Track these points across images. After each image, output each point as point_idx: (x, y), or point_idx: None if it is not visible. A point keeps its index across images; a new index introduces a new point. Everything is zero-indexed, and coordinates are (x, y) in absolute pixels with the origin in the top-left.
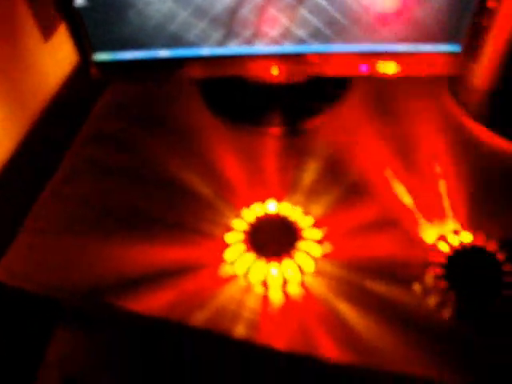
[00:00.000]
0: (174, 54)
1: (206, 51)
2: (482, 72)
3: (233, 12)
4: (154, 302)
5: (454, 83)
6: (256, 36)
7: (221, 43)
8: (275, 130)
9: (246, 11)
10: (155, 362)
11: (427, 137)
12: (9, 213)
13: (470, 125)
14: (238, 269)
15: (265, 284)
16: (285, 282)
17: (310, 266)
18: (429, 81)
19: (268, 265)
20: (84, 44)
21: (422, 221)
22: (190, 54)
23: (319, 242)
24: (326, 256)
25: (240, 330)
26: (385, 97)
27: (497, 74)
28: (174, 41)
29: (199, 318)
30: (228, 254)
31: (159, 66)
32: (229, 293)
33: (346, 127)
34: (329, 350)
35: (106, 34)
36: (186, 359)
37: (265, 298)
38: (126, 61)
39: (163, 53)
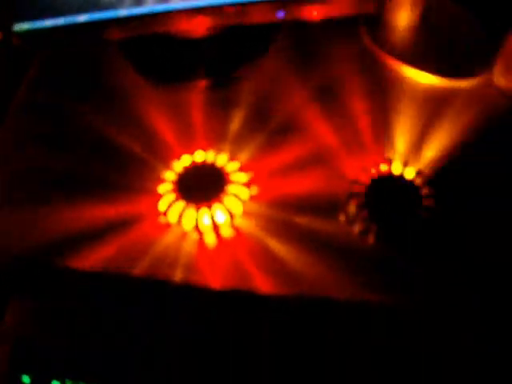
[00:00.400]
0: (92, 18)
1: (123, 12)
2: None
3: None
4: (95, 258)
5: (371, 23)
6: None
7: (137, 2)
8: (201, 84)
9: None
10: (103, 316)
11: (349, 78)
12: None
13: (391, 63)
14: (171, 218)
15: (198, 229)
16: (216, 226)
17: (238, 208)
18: (348, 23)
19: (199, 211)
20: (3, 14)
21: (345, 156)
22: (107, 16)
23: (246, 184)
24: (253, 198)
25: (178, 275)
26: (307, 44)
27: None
28: (91, 5)
29: (140, 268)
30: (161, 205)
31: (79, 31)
32: (165, 242)
33: (270, 76)
34: (262, 283)
35: (24, 3)
36: (130, 309)
37: (199, 243)
38: (47, 28)
39: (81, 17)
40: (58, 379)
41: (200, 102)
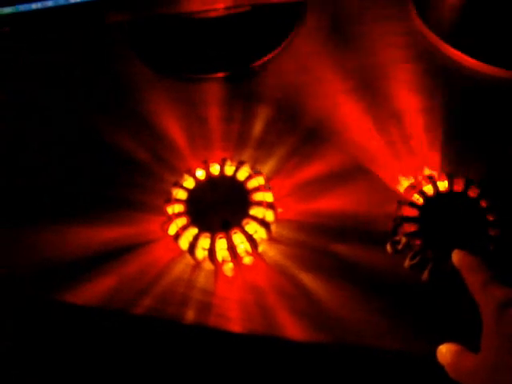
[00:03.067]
0: None
1: None
2: None
3: None
4: (91, 292)
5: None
6: None
7: None
8: (216, 75)
9: None
10: (98, 358)
11: (395, 68)
12: None
13: (446, 50)
14: (183, 244)
15: (213, 259)
16: (236, 255)
17: (262, 233)
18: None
19: (214, 238)
20: None
21: (391, 167)
22: None
23: (271, 204)
24: (280, 219)
25: (190, 315)
26: (343, 23)
27: None
28: None
29: (143, 305)
30: (170, 230)
31: (75, 14)
32: (175, 273)
33: (298, 64)
34: (289, 327)
35: None
36: (128, 353)
37: (215, 276)
38: (34, 11)
39: None
40: None
41: (216, 98)
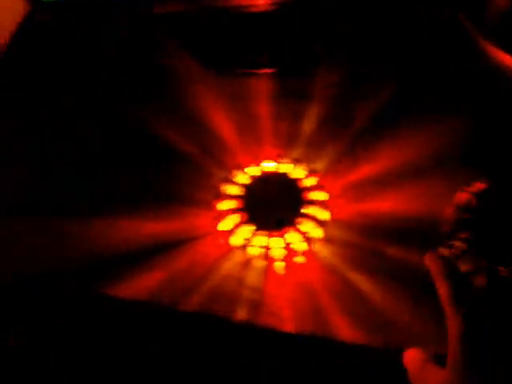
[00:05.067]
0: None
1: None
2: None
3: None
4: (138, 286)
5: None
6: None
7: None
8: (266, 71)
9: None
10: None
11: (448, 69)
12: None
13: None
14: (235, 241)
15: (266, 257)
16: (289, 253)
17: (317, 233)
18: None
19: (269, 234)
20: None
21: (450, 169)
22: None
23: (326, 203)
24: (334, 219)
25: (241, 313)
26: (396, 23)
27: None
28: None
29: (193, 301)
30: (221, 226)
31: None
32: (224, 270)
33: (352, 63)
34: (343, 328)
35: None
36: (178, 350)
37: (267, 274)
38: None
39: None
40: None
41: (266, 94)
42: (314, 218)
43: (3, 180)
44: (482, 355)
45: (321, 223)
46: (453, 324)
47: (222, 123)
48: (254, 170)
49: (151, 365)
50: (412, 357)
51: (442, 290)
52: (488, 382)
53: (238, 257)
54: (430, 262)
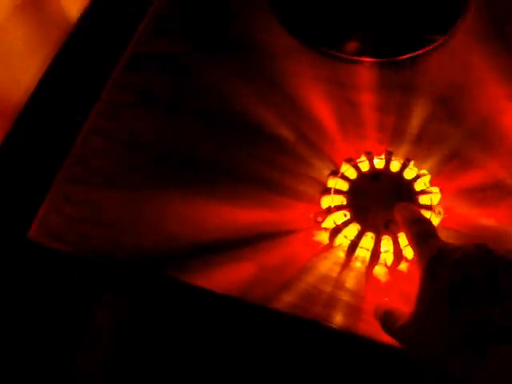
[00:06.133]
0: None
1: None
2: None
3: None
4: (227, 278)
5: None
6: None
7: None
8: (370, 59)
9: None
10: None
11: None
12: (39, 158)
13: None
14: (338, 240)
15: (370, 260)
16: (396, 258)
17: None
18: None
19: (380, 237)
20: None
21: None
22: None
23: (440, 208)
24: (445, 225)
25: (337, 318)
26: (503, 22)
27: None
28: None
29: (284, 300)
30: (326, 222)
31: None
32: (321, 269)
33: (462, 59)
34: None
35: None
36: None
37: (367, 278)
38: None
39: None
40: None
41: (369, 83)
42: None
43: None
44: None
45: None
46: (422, 263)
47: (320, 108)
48: (364, 165)
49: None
50: (381, 309)
51: (414, 232)
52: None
53: (337, 257)
54: (399, 209)
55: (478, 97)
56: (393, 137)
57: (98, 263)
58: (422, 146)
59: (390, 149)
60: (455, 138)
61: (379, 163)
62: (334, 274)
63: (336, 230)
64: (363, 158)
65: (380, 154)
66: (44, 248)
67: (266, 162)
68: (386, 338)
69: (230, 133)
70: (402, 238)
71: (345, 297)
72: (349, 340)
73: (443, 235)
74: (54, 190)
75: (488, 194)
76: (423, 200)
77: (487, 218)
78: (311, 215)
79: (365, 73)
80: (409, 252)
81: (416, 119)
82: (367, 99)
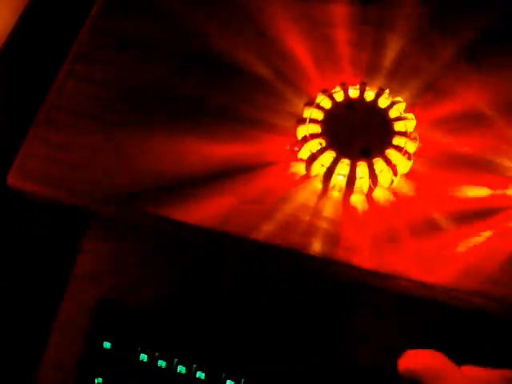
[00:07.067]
0: None
1: None
2: None
3: None
4: (206, 211)
5: None
6: None
7: None
8: None
9: None
10: (204, 279)
11: None
12: (15, 100)
13: None
14: (314, 169)
15: (346, 186)
16: (372, 185)
17: (404, 166)
18: None
19: (355, 163)
20: None
21: None
22: None
23: (416, 134)
24: (420, 153)
25: (315, 245)
26: None
27: None
28: None
29: (263, 231)
30: (301, 153)
31: None
32: (299, 199)
33: None
34: (421, 270)
35: None
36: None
37: (344, 205)
38: None
39: None
40: (143, 349)
41: (344, 20)
42: (403, 150)
43: None
44: None
45: (409, 156)
46: None
47: (297, 47)
48: (338, 96)
49: (220, 296)
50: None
51: None
52: None
53: (315, 186)
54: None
55: (453, 30)
56: (368, 71)
57: (76, 205)
58: (396, 79)
59: (367, 81)
60: (430, 70)
61: (354, 93)
62: (312, 204)
63: (312, 158)
64: (338, 88)
65: (355, 85)
66: (23, 192)
67: (244, 99)
68: (365, 264)
69: (206, 71)
70: (378, 164)
71: (323, 225)
72: (327, 265)
73: (419, 163)
74: (30, 134)
75: (462, 123)
76: (398, 127)
77: (461, 147)
78: (288, 147)
79: (340, 10)
80: (384, 178)
81: (390, 54)
82: (342, 36)
